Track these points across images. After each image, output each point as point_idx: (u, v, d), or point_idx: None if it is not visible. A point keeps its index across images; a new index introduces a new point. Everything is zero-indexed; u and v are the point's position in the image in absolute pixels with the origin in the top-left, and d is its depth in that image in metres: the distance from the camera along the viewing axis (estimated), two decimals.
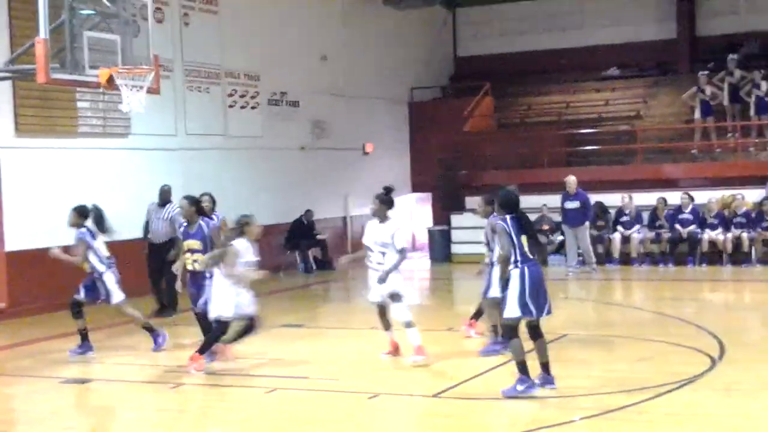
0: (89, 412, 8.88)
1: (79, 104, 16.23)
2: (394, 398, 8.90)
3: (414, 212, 26.46)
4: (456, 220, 22.42)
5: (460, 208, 22.81)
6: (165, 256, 13.97)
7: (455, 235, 22.27)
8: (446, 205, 23.36)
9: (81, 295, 11.33)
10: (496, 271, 9.57)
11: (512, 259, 8.51)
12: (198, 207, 10.98)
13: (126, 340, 12.35)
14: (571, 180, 19.02)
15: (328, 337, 12.79)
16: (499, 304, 9.03)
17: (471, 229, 21.84)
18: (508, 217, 8.61)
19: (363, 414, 8.43)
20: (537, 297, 8.54)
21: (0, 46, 14.71)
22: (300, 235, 20.92)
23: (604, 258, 19.82)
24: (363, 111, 24.06)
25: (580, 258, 19.21)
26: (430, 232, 23.15)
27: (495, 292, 9.82)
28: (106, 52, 11.86)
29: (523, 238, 8.54)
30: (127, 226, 14.23)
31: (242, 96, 20.17)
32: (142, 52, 12.35)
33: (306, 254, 20.97)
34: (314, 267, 20.87)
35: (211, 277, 10.32)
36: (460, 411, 8.40)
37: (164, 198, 14.91)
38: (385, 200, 10.54)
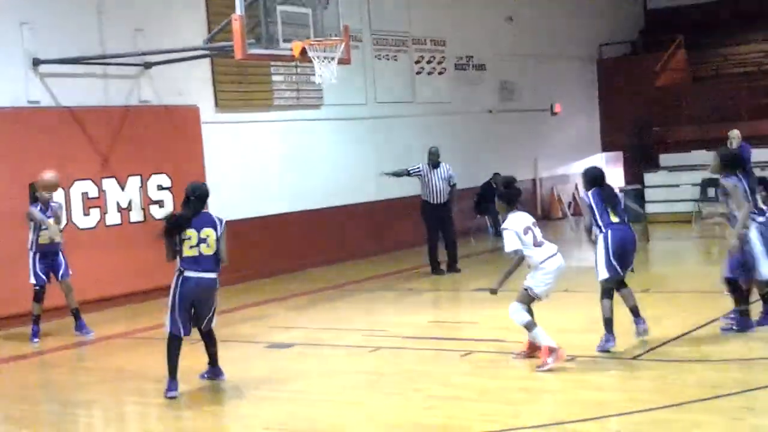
0: (296, 375, 9.23)
1: (274, 78, 16.77)
2: (592, 361, 8.82)
3: (608, 172, 25.94)
4: (649, 178, 21.86)
5: (655, 165, 22.23)
6: (444, 213, 15.34)
7: (649, 194, 21.73)
8: (639, 164, 22.82)
9: None
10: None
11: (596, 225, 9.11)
12: None
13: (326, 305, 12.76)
14: (734, 133, 17.60)
15: None
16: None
17: (665, 187, 21.39)
18: (590, 192, 9.28)
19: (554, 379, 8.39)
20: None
21: (197, 24, 15.36)
22: (489, 198, 20.83)
23: None
24: (550, 71, 23.77)
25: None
26: (624, 191, 22.67)
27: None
28: (298, 25, 12.20)
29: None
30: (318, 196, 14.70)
31: (429, 62, 20.30)
32: (332, 24, 12.64)
33: (496, 218, 20.91)
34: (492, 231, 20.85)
35: None
36: (661, 373, 8.24)
37: (435, 159, 15.59)
38: (504, 195, 8.87)
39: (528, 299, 8.62)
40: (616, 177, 25.23)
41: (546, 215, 23.11)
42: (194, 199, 8.55)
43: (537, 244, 8.58)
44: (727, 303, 9.71)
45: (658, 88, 24.29)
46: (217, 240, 8.49)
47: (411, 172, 15.70)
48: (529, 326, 8.56)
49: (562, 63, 24.37)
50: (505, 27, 22.40)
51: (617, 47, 26.54)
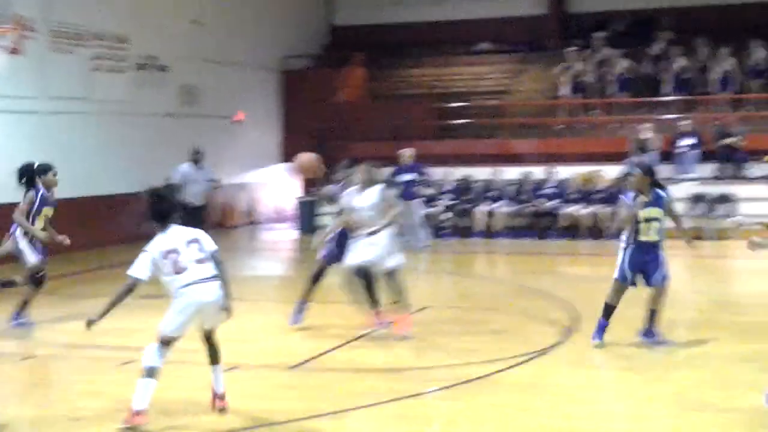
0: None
1: None
2: (252, 370, 8.86)
3: (284, 182, 26.29)
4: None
5: (330, 180, 22.76)
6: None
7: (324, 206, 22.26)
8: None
9: None
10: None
11: None
12: None
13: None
14: (407, 153, 18.66)
15: None
16: None
17: None
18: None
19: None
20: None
21: None
22: None
23: (469, 231, 20.18)
24: (234, 78, 23.75)
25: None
26: (300, 202, 23.10)
27: None
28: None
29: None
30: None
31: (109, 59, 19.63)
32: (4, 11, 11.89)
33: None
34: None
35: None
36: (317, 383, 8.42)
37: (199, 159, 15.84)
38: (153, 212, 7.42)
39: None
40: (295, 188, 25.66)
41: (221, 224, 22.93)
42: None
43: (178, 271, 7.08)
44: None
45: (339, 103, 24.97)
46: None
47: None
48: (150, 372, 6.97)
49: (248, 71, 24.44)
50: (191, 30, 22.13)
51: (302, 60, 27.03)
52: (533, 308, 11.74)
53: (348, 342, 9.92)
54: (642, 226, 9.33)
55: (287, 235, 22.33)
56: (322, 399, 7.77)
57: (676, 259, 11.11)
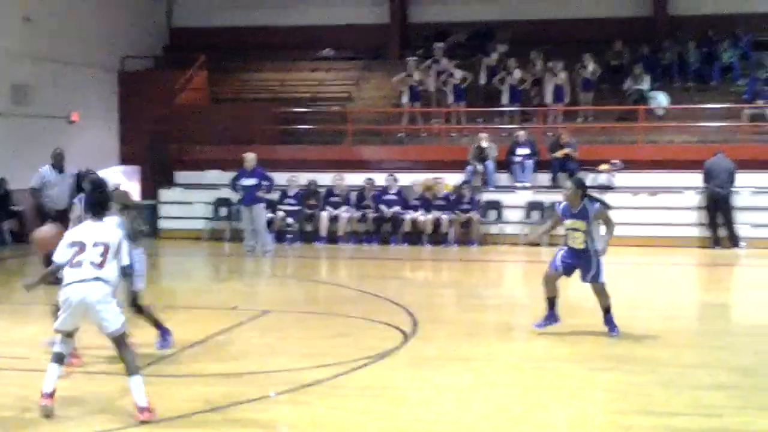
0: None
1: None
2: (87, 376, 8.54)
3: (123, 185, 25.61)
4: (165, 194, 21.97)
5: (170, 182, 22.39)
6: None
7: (163, 209, 21.83)
8: (155, 180, 22.82)
9: None
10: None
11: None
12: None
13: None
14: (250, 156, 18.41)
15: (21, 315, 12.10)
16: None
17: (180, 204, 21.62)
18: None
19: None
20: None
21: None
22: None
23: (313, 236, 20.16)
24: (70, 78, 22.96)
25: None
26: (138, 207, 22.49)
27: None
28: None
29: None
30: None
31: None
32: None
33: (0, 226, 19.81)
34: (10, 240, 19.77)
35: None
36: (147, 390, 8.18)
37: (60, 162, 14.72)
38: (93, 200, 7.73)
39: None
40: (133, 191, 25.02)
41: None
42: None
43: (73, 265, 7.21)
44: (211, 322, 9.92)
45: (179, 105, 24.51)
46: None
47: None
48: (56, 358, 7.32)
49: (84, 71, 23.65)
50: (22, 26, 21.27)
51: (141, 61, 26.40)
52: (374, 312, 11.78)
53: (182, 349, 9.71)
54: (568, 233, 10.20)
55: None
56: (159, 406, 7.54)
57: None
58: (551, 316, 10.36)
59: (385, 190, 20.40)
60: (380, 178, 20.62)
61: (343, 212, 20.18)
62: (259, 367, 8.90)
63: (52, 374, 7.26)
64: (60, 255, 7.29)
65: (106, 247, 7.23)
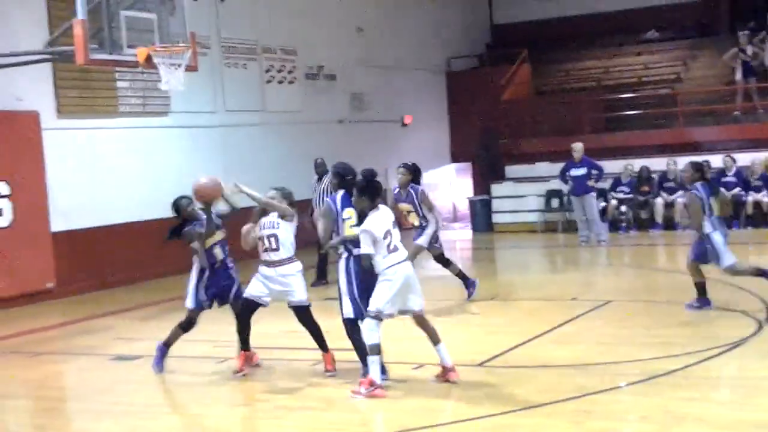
0: (137, 388, 9.00)
1: (119, 84, 16.37)
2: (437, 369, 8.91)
3: (454, 182, 26.42)
4: (496, 189, 22.37)
5: (501, 177, 22.76)
6: None
7: (496, 204, 22.23)
8: (487, 175, 23.31)
9: None
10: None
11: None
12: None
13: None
14: (578, 146, 18.33)
15: None
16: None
17: (512, 198, 21.91)
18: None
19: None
20: None
21: (38, 27, 14.84)
22: None
23: (649, 223, 19.71)
24: (400, 82, 24.02)
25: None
26: (471, 202, 23.11)
27: None
28: (143, 30, 11.93)
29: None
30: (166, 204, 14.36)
31: (279, 71, 20.21)
32: (178, 30, 12.39)
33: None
34: None
35: None
36: (503, 380, 8.39)
37: (321, 171, 15.15)
38: (365, 189, 8.18)
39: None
40: (464, 187, 25.73)
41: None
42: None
43: (391, 251, 7.83)
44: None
45: (504, 101, 24.89)
46: None
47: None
48: (372, 350, 7.79)
49: (412, 75, 24.66)
50: (356, 37, 22.53)
51: (465, 60, 27.08)
52: (721, 300, 11.31)
53: (533, 338, 9.87)
54: None
55: (462, 234, 22.39)
56: (510, 395, 7.74)
57: None
58: None
59: (723, 172, 19.52)
60: (716, 160, 19.75)
61: (679, 197, 19.53)
62: (606, 357, 8.87)
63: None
64: (367, 247, 7.75)
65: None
